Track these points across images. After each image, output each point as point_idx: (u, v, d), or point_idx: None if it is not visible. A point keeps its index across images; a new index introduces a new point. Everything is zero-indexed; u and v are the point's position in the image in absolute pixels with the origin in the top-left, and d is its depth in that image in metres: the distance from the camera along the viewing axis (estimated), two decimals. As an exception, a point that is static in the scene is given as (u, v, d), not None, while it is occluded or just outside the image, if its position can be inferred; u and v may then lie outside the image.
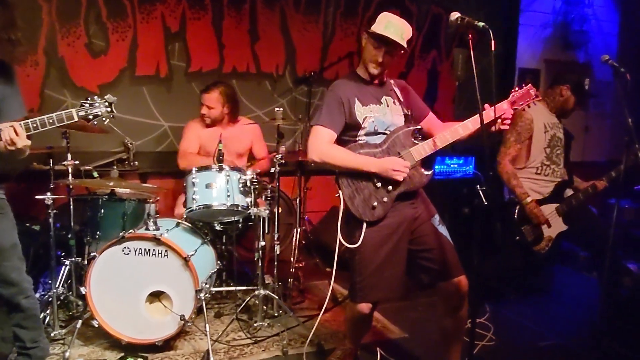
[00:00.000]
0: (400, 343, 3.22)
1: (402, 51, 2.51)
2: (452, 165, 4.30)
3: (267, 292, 3.26)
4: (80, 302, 3.27)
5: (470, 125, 2.47)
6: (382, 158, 2.46)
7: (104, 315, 2.96)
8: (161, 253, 2.96)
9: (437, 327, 2.79)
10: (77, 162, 3.18)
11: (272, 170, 3.35)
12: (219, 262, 3.45)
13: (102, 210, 3.35)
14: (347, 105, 2.48)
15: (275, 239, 3.42)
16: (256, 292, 3.25)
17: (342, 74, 5.05)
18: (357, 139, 2.52)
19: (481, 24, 2.18)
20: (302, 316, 3.43)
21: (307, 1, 4.86)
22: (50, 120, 2.17)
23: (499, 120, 2.45)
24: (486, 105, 2.45)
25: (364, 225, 2.47)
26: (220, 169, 3.20)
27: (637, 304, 3.68)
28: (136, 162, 4.27)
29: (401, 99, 2.62)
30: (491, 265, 3.69)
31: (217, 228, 3.50)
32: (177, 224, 3.31)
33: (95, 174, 3.54)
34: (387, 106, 2.56)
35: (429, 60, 5.44)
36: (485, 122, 2.34)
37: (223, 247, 3.64)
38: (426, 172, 2.54)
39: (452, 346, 2.69)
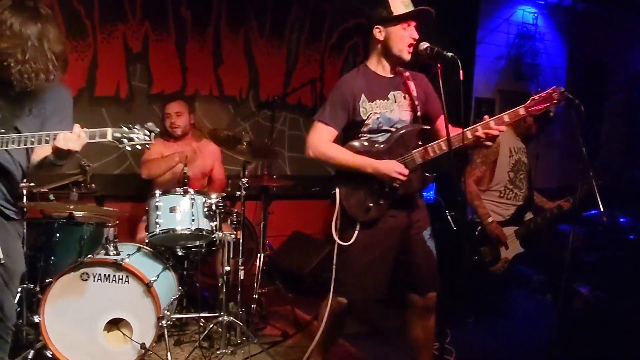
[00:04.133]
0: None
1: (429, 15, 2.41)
2: (413, 191, 4.36)
3: (231, 318, 3.19)
4: (31, 331, 3.10)
5: (480, 130, 2.36)
6: (381, 160, 2.39)
7: (58, 345, 2.82)
8: (122, 279, 2.86)
9: (407, 338, 2.75)
10: (32, 184, 3.06)
11: (238, 194, 3.31)
12: (180, 287, 3.36)
13: (58, 235, 3.20)
14: (352, 102, 2.42)
15: (240, 264, 3.37)
16: (220, 319, 3.17)
17: (305, 99, 5.11)
18: (359, 135, 2.47)
19: (450, 54, 2.24)
20: (265, 343, 3.37)
21: (272, 27, 4.91)
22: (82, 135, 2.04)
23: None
24: (485, 117, 2.41)
25: (358, 225, 2.45)
26: (185, 192, 3.15)
27: (589, 325, 3.82)
28: (93, 185, 4.13)
29: (414, 93, 2.52)
30: (451, 286, 3.75)
31: (179, 253, 3.42)
32: (138, 249, 3.21)
33: (52, 197, 3.41)
34: (395, 102, 2.48)
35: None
36: (493, 133, 2.34)
37: (184, 272, 3.55)
38: (427, 175, 2.49)
39: (422, 357, 2.69)
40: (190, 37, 4.58)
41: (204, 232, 3.16)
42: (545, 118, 3.75)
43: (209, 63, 4.69)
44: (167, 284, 3.16)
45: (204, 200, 3.18)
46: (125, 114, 4.40)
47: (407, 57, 2.44)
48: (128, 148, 2.12)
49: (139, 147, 2.14)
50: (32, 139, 2.04)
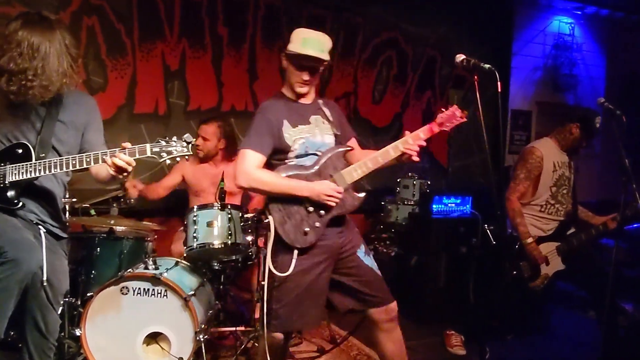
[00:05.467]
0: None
1: (325, 64, 2.45)
2: (449, 205, 4.31)
3: (268, 333, 3.18)
4: (73, 344, 3.16)
5: (400, 146, 2.45)
6: (315, 182, 2.39)
7: (98, 358, 2.87)
8: (160, 293, 2.89)
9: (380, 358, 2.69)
10: (74, 199, 3.14)
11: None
12: (217, 301, 3.39)
13: (98, 249, 3.28)
14: (277, 128, 2.42)
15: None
16: (256, 334, 3.18)
17: (338, 113, 5.12)
18: (286, 161, 2.46)
19: (487, 65, 2.24)
20: (302, 358, 3.37)
21: (305, 42, 4.95)
22: (123, 153, 2.13)
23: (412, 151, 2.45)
24: (407, 132, 2.51)
25: (295, 252, 2.38)
26: (222, 207, 3.18)
27: (635, 342, 3.69)
28: (132, 200, 4.21)
29: (330, 118, 2.57)
30: (489, 301, 3.68)
31: (216, 267, 3.45)
32: (176, 263, 3.25)
33: (93, 212, 3.49)
34: (316, 126, 2.51)
35: (424, 101, 5.52)
36: (414, 149, 2.45)
37: (221, 286, 3.58)
38: (358, 195, 2.50)
39: None
40: (227, 53, 4.65)
41: (241, 247, 3.17)
42: (591, 128, 3.63)
43: (244, 79, 4.75)
44: (204, 298, 3.18)
45: (240, 214, 3.21)
46: (163, 131, 4.48)
47: (300, 91, 2.47)
48: (168, 161, 2.17)
49: (178, 159, 2.18)
50: (74, 162, 2.11)
